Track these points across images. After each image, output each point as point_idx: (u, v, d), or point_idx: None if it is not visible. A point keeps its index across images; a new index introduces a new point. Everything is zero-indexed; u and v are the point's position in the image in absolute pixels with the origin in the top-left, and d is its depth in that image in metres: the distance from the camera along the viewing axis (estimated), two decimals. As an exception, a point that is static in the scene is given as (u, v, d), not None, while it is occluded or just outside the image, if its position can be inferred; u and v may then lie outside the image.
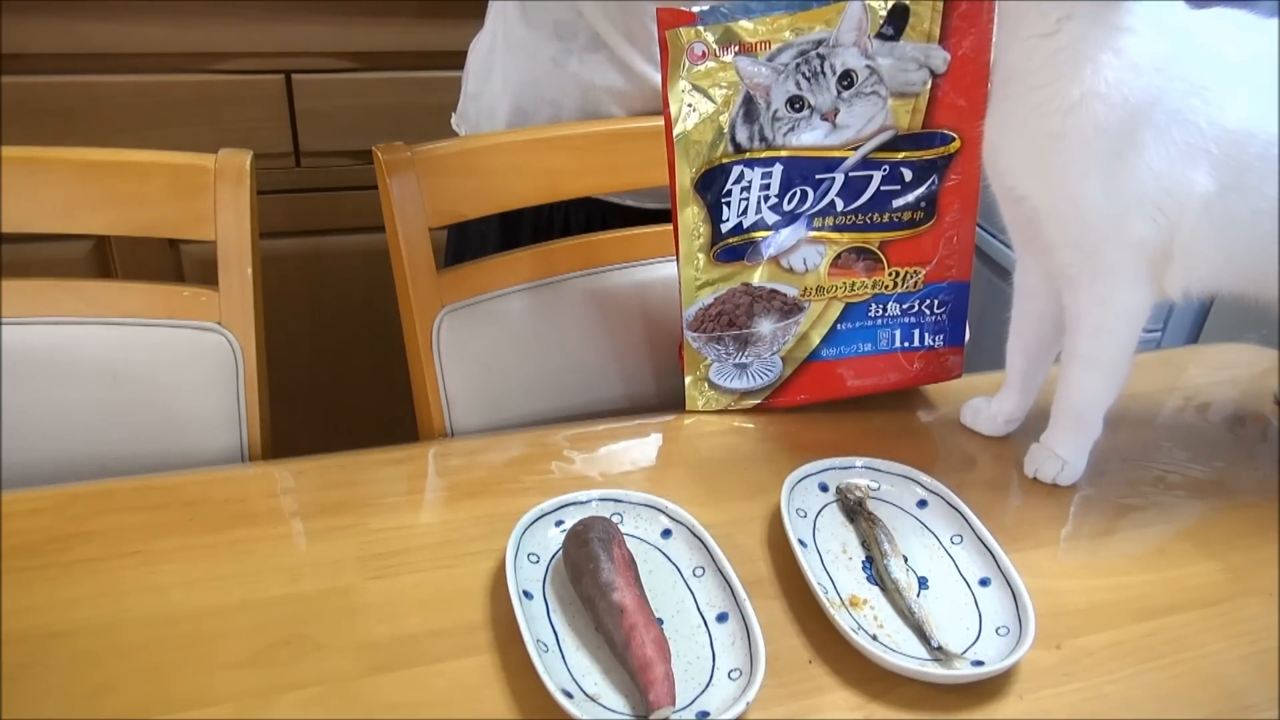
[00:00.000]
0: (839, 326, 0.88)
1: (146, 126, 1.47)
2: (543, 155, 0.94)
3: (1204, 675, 0.66)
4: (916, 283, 0.87)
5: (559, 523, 0.73)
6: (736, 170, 0.82)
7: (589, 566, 0.66)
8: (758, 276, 0.86)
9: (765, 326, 0.87)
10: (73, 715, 0.59)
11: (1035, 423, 0.87)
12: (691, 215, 0.83)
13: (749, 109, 0.80)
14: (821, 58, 0.79)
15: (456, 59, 1.17)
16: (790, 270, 0.86)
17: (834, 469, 0.80)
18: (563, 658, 0.63)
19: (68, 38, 1.39)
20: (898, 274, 0.87)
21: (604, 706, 0.60)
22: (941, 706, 0.63)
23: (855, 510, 0.77)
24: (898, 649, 0.66)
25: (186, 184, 0.84)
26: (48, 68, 1.40)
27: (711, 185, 0.82)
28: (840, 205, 0.84)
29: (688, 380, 0.90)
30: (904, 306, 0.88)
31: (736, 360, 0.89)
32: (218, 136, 1.50)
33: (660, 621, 0.65)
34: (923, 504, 0.78)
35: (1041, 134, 0.72)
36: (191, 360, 0.86)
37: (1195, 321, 1.88)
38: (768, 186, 0.82)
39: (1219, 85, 0.70)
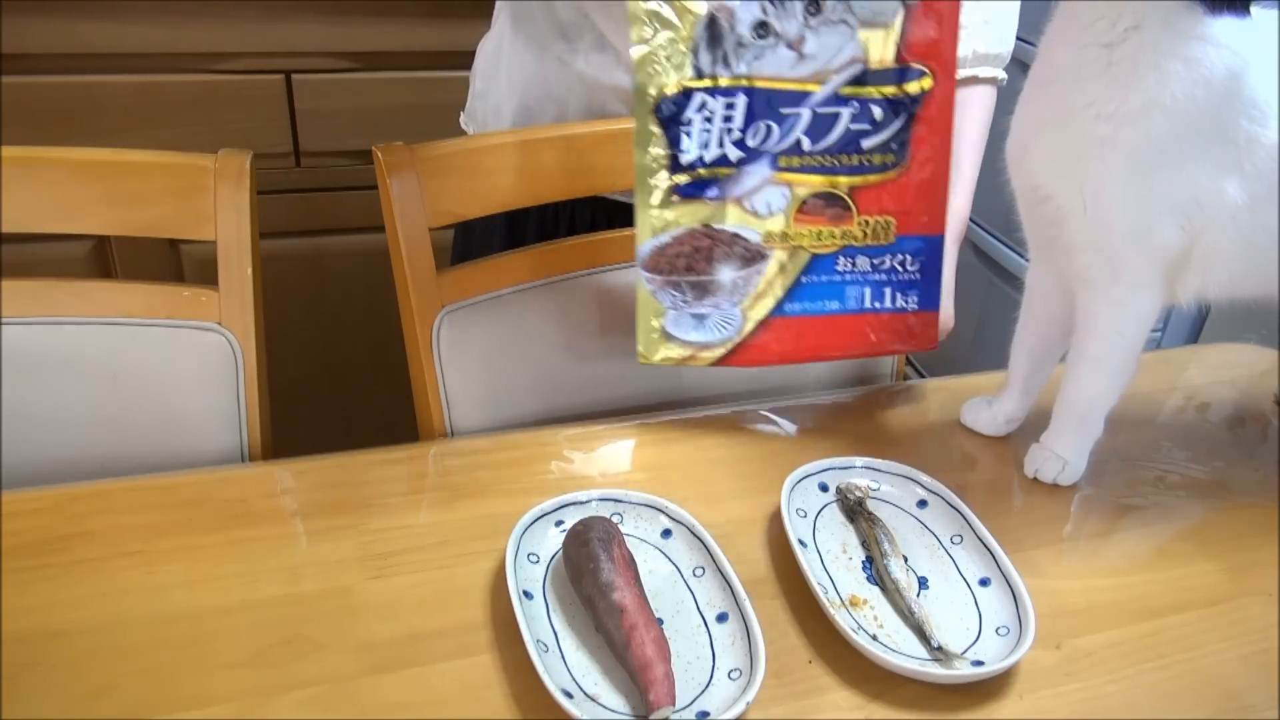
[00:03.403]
0: (804, 280, 0.83)
1: (146, 126, 1.47)
2: (543, 155, 0.94)
3: (1204, 675, 0.66)
4: (888, 234, 0.82)
5: (559, 523, 0.73)
6: (698, 97, 0.77)
7: (589, 566, 0.66)
8: (719, 218, 0.81)
9: (726, 274, 0.82)
10: (73, 715, 0.59)
11: (1036, 423, 0.87)
12: (651, 142, 0.79)
13: (714, 32, 0.76)
14: None
15: (458, 59, 1.17)
16: (754, 213, 0.81)
17: (834, 469, 0.80)
18: (563, 658, 0.63)
19: (68, 38, 1.39)
20: (867, 223, 0.82)
21: (604, 706, 0.60)
22: (941, 706, 0.63)
23: (855, 510, 0.77)
24: (898, 649, 0.66)
25: (186, 184, 0.84)
26: (48, 68, 1.40)
27: (673, 112, 0.78)
28: (807, 144, 0.80)
29: (640, 329, 0.84)
30: (874, 261, 0.83)
31: (694, 310, 0.84)
32: (218, 136, 1.50)
33: (660, 621, 0.65)
34: (923, 504, 0.78)
35: (1085, 139, 0.71)
36: (191, 360, 0.86)
37: (1195, 321, 1.88)
38: (730, 119, 0.78)
39: (1268, 102, 0.69)
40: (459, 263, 0.94)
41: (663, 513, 0.74)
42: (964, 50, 0.94)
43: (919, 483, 0.79)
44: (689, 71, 0.77)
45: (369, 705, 0.61)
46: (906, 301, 0.85)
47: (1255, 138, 0.69)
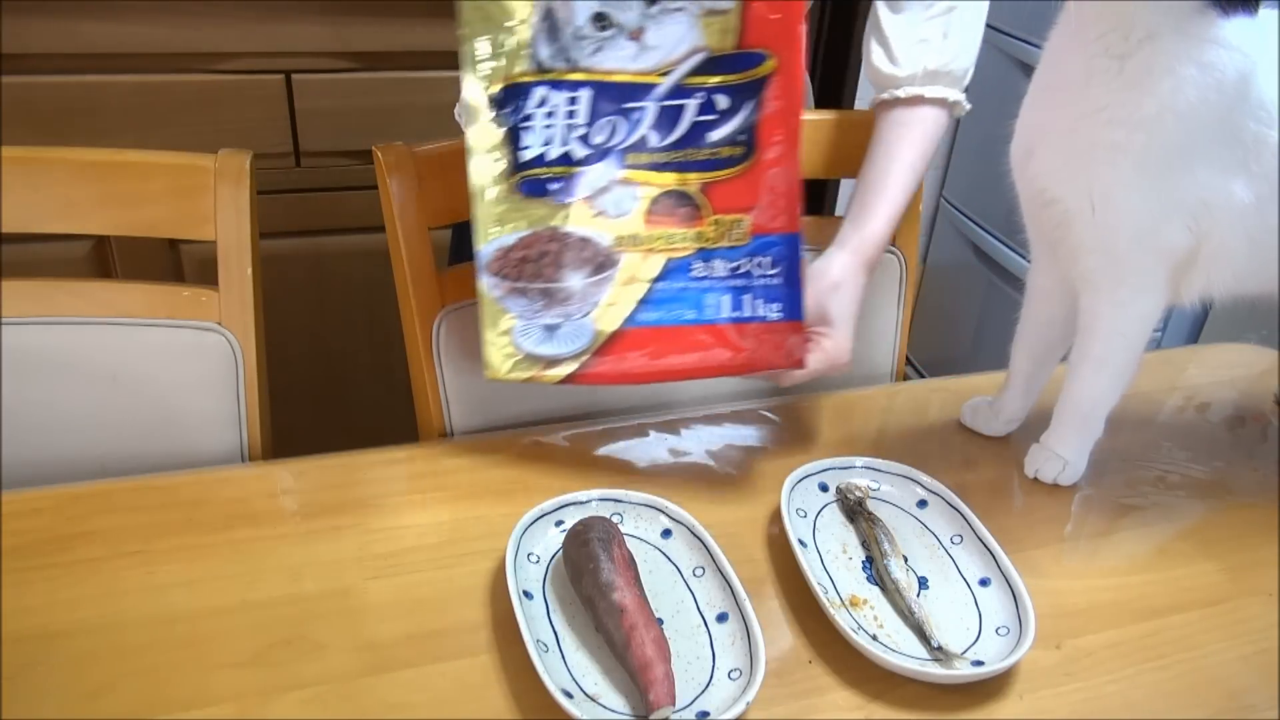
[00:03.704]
0: (658, 286, 0.78)
1: (146, 126, 1.46)
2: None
3: (1204, 675, 0.66)
4: (742, 234, 0.77)
5: (559, 523, 0.73)
6: (538, 92, 0.74)
7: (589, 566, 0.66)
8: (567, 219, 0.77)
9: (575, 281, 0.78)
10: (73, 715, 0.59)
11: (1036, 423, 0.87)
12: (489, 135, 0.75)
13: (551, 24, 0.73)
14: None
15: (456, 59, 1.17)
16: (603, 215, 0.77)
17: (834, 469, 0.80)
18: (563, 658, 0.63)
19: (68, 38, 1.39)
20: (720, 222, 0.77)
21: (604, 706, 0.60)
22: (941, 706, 0.63)
23: (855, 510, 0.77)
24: (898, 649, 0.66)
25: (186, 184, 0.84)
26: (48, 68, 1.40)
27: (511, 106, 0.75)
28: (654, 139, 0.76)
29: (486, 339, 0.79)
30: (731, 265, 0.78)
31: (544, 319, 0.79)
32: (218, 136, 1.50)
33: (660, 621, 0.65)
34: (923, 504, 0.78)
35: (1096, 144, 0.71)
36: (191, 360, 0.86)
37: (1195, 321, 1.88)
38: (574, 114, 0.75)
39: (1274, 102, 0.69)
40: (458, 263, 0.94)
41: (663, 513, 0.74)
42: (912, 67, 0.89)
43: (919, 483, 0.79)
44: (527, 65, 0.74)
45: (369, 705, 0.61)
46: (769, 310, 0.79)
47: (1262, 138, 0.70)
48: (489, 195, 0.76)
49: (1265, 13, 0.69)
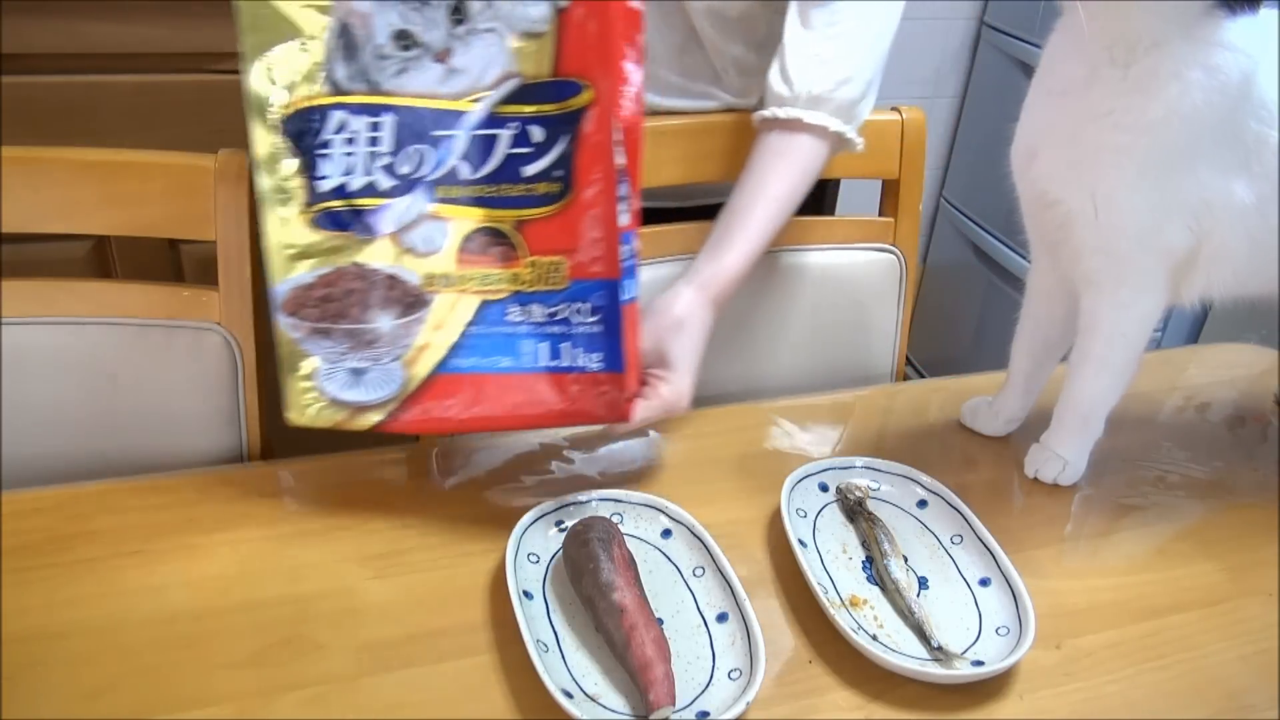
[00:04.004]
0: (472, 330, 0.72)
1: (146, 127, 1.46)
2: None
3: (1204, 675, 0.66)
4: (560, 277, 0.71)
5: (559, 523, 0.73)
6: (336, 116, 0.68)
7: (589, 566, 0.66)
8: (372, 256, 0.71)
9: (384, 322, 0.72)
10: (73, 715, 0.59)
11: (1036, 423, 0.87)
12: (280, 165, 0.69)
13: (348, 41, 0.67)
14: None
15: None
16: (412, 251, 0.71)
17: (834, 469, 0.80)
18: (563, 658, 0.63)
19: (68, 38, 1.39)
20: (536, 264, 0.71)
21: (604, 706, 0.60)
22: (941, 706, 0.63)
23: (855, 510, 0.77)
24: (898, 649, 0.66)
25: (186, 184, 0.84)
26: (48, 68, 1.40)
27: (305, 131, 0.69)
28: (466, 171, 0.70)
29: (286, 384, 0.74)
30: (548, 311, 0.72)
31: (351, 363, 0.73)
32: (217, 137, 1.50)
33: (660, 621, 0.65)
34: (923, 504, 0.78)
35: (1100, 147, 0.71)
36: (191, 360, 0.86)
37: (1195, 321, 1.88)
38: (377, 141, 0.69)
39: (1274, 102, 0.69)
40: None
41: (663, 513, 0.74)
42: (801, 87, 0.84)
43: (919, 483, 0.79)
44: (322, 86, 0.68)
45: (369, 705, 0.61)
46: (589, 360, 0.73)
47: (1263, 138, 0.70)
48: (282, 229, 0.70)
49: (1265, 13, 0.69)
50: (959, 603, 0.70)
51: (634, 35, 0.68)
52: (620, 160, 0.69)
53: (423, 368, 0.73)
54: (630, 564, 0.68)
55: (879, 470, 0.80)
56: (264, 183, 0.70)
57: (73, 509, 0.74)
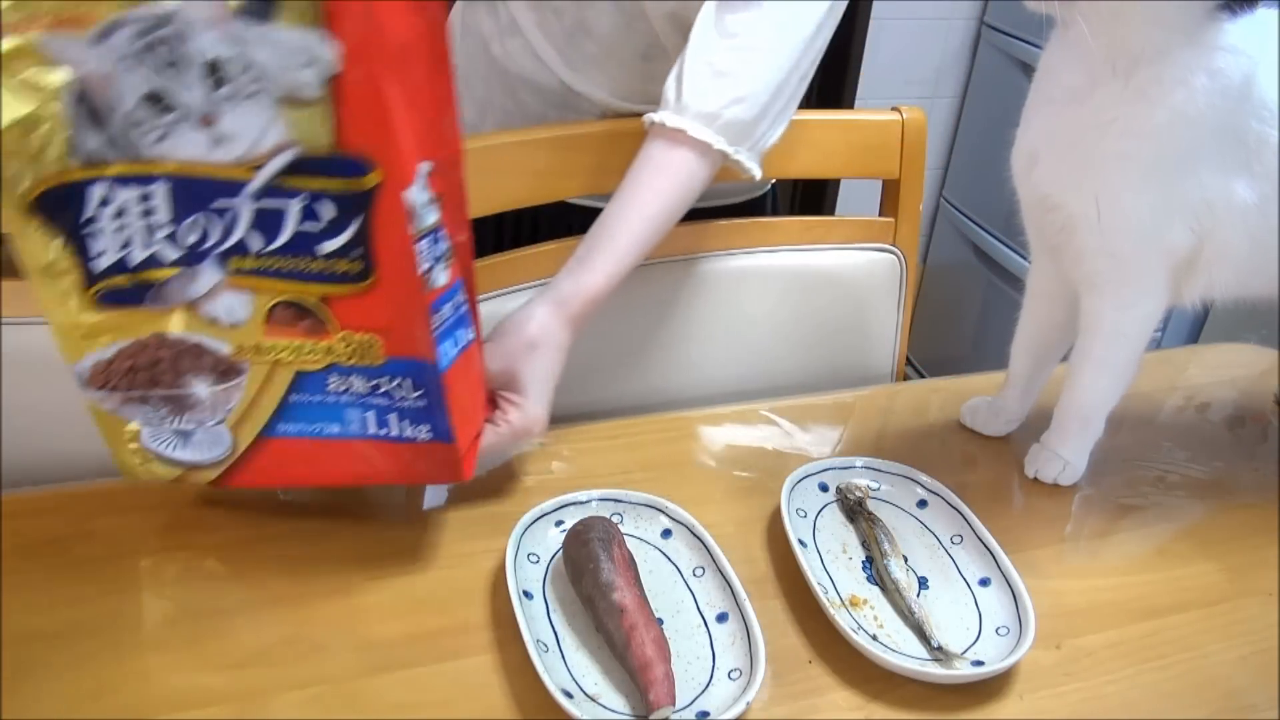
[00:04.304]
0: (294, 399, 0.69)
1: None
2: (536, 156, 0.94)
3: (1204, 675, 0.66)
4: (375, 354, 0.67)
5: (559, 523, 0.73)
6: (97, 191, 0.62)
7: (589, 566, 0.66)
8: (174, 325, 0.67)
9: (201, 389, 0.69)
10: (73, 715, 0.59)
11: (1036, 423, 0.87)
12: (44, 248, 0.64)
13: (90, 109, 0.61)
14: (175, 41, 0.59)
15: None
16: (214, 322, 0.67)
17: (834, 469, 0.80)
18: (563, 658, 0.63)
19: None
20: (349, 340, 0.67)
21: (604, 706, 0.60)
22: (941, 706, 0.63)
23: (855, 510, 0.77)
24: (898, 649, 0.66)
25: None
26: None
27: (64, 210, 0.63)
28: (257, 243, 0.64)
29: (115, 451, 0.71)
30: (370, 383, 0.68)
31: (175, 426, 0.70)
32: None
33: (660, 621, 0.65)
34: (923, 504, 0.78)
35: (1104, 153, 0.71)
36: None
37: (1195, 321, 1.88)
38: (151, 212, 0.63)
39: (1275, 101, 0.69)
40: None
41: (663, 513, 0.74)
42: (685, 97, 0.80)
43: (919, 483, 0.79)
44: (70, 160, 0.62)
45: (369, 705, 0.61)
46: (417, 432, 0.70)
47: (1264, 138, 0.70)
48: (65, 316, 0.66)
49: (1265, 13, 0.69)
50: (959, 603, 0.70)
51: (430, 105, 0.64)
52: (431, 218, 0.66)
53: (248, 433, 0.70)
54: (630, 564, 0.68)
55: (879, 470, 0.80)
56: (33, 266, 0.65)
57: (72, 509, 0.74)
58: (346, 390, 0.69)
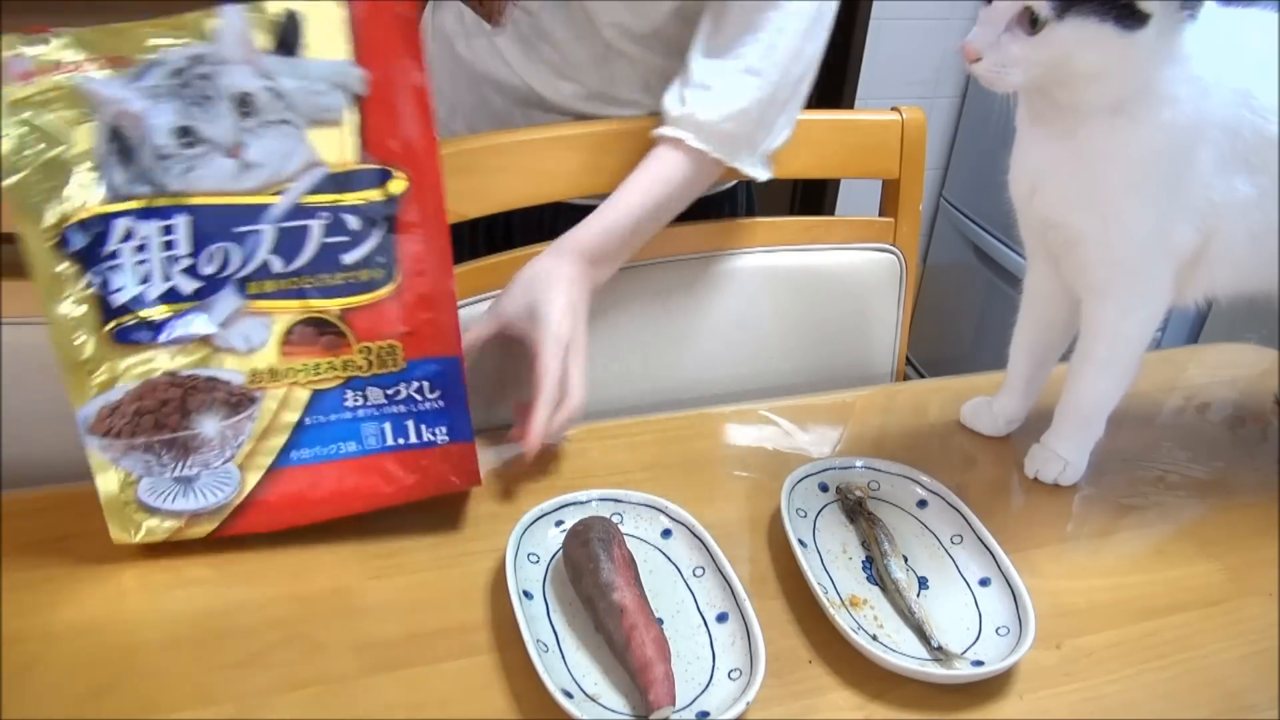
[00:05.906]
0: (309, 421, 0.70)
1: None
2: (538, 155, 0.94)
3: (1204, 675, 0.66)
4: (396, 361, 0.70)
5: (559, 523, 0.73)
6: (121, 225, 0.64)
7: (589, 566, 0.66)
8: (186, 361, 0.68)
9: (210, 426, 0.69)
10: (73, 715, 0.59)
11: (1036, 423, 0.87)
12: (60, 285, 0.65)
13: (121, 144, 0.63)
14: (206, 77, 0.63)
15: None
16: (232, 350, 0.68)
17: (834, 469, 0.80)
18: (563, 658, 0.63)
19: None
20: (369, 350, 0.69)
21: (604, 706, 0.60)
22: (941, 706, 0.63)
23: (855, 510, 0.77)
24: (898, 649, 0.66)
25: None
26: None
27: (87, 246, 0.65)
28: (278, 265, 0.67)
29: (106, 506, 0.70)
30: (388, 392, 0.70)
31: (177, 473, 0.69)
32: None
33: (660, 621, 0.65)
34: (923, 504, 0.78)
35: (1104, 178, 0.71)
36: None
37: (1195, 321, 1.88)
38: (173, 244, 0.65)
39: (1263, 92, 0.69)
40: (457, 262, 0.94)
41: (663, 513, 0.74)
42: (681, 107, 0.86)
43: (919, 483, 0.79)
44: (98, 195, 0.64)
45: (369, 705, 0.61)
46: (435, 435, 0.72)
47: (1261, 132, 0.70)
48: (78, 354, 0.66)
49: (1266, 13, 0.69)
50: (959, 603, 0.70)
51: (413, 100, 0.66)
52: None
53: (260, 466, 0.70)
54: (630, 564, 0.68)
55: (879, 470, 0.80)
56: (52, 308, 0.66)
57: (72, 509, 0.73)
58: (363, 404, 0.71)
